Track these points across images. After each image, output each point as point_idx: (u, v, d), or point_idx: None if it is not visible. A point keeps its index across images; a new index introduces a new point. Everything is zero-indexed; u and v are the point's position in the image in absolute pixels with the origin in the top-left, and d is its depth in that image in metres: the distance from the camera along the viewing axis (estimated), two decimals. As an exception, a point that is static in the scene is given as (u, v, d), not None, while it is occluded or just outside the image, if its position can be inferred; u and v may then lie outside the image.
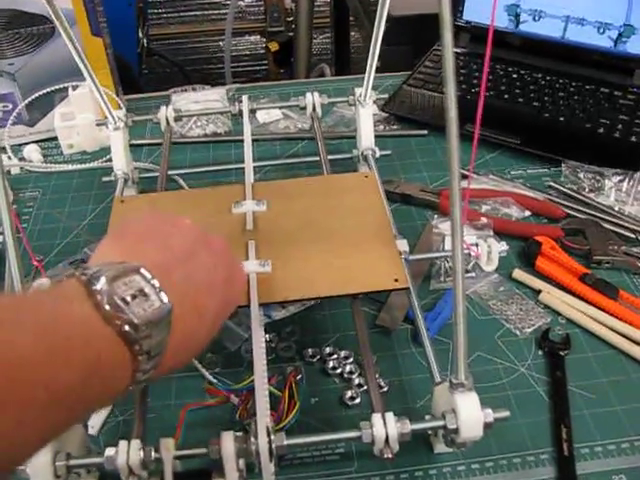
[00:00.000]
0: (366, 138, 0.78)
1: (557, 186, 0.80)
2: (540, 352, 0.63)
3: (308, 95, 0.80)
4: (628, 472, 0.53)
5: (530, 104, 0.91)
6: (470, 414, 0.46)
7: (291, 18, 1.93)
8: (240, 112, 0.78)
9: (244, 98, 0.79)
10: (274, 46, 1.84)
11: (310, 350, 0.63)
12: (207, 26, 2.12)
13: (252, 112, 0.80)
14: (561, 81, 0.94)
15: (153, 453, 0.45)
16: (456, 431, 0.46)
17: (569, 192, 0.79)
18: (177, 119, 0.80)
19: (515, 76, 0.96)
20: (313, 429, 0.56)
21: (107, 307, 0.33)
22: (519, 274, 0.69)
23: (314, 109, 0.80)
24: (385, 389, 0.59)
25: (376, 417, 0.46)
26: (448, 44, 0.41)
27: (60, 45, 0.85)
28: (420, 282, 0.69)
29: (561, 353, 0.62)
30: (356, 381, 0.60)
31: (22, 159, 0.89)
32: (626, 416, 0.57)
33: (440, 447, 0.54)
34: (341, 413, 0.58)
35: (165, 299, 0.36)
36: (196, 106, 0.93)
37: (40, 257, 0.74)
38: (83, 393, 0.32)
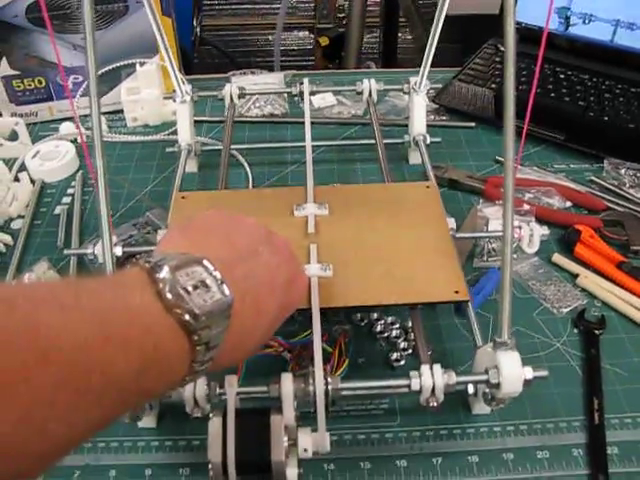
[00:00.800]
0: (418, 124, 0.82)
1: (599, 180, 0.83)
2: (576, 330, 0.66)
3: (365, 81, 0.84)
4: (657, 441, 0.56)
5: (576, 103, 0.94)
6: (512, 370, 0.49)
7: (342, 15, 1.98)
8: (301, 93, 0.83)
9: (305, 80, 0.84)
10: (324, 41, 1.90)
11: (359, 315, 0.67)
12: (258, 19, 2.18)
13: (311, 94, 0.84)
14: (607, 83, 0.98)
15: (218, 388, 0.50)
16: (498, 386, 0.50)
17: (610, 186, 0.82)
18: (240, 96, 0.85)
19: (562, 76, 1.00)
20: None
21: (169, 295, 0.33)
22: (558, 258, 0.73)
23: (370, 94, 0.84)
24: (429, 353, 0.64)
25: (425, 367, 0.50)
26: (510, 47, 0.44)
27: (130, 23, 0.91)
28: (464, 260, 0.73)
29: (596, 332, 0.65)
30: (401, 345, 0.64)
31: (89, 129, 0.95)
32: (657, 393, 0.60)
33: (478, 408, 0.58)
34: (386, 373, 0.62)
35: (226, 292, 0.36)
36: (255, 87, 0.98)
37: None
38: (139, 381, 0.32)
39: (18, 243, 0.78)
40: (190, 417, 0.51)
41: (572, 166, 0.87)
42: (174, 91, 0.82)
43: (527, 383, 0.50)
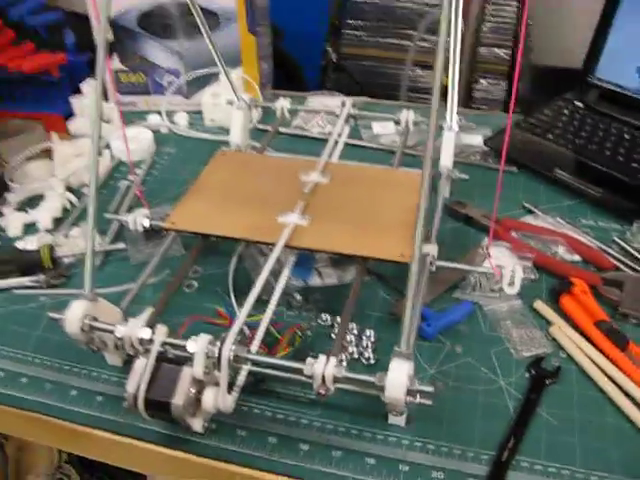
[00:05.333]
0: (445, 157, 0.86)
1: (620, 241, 0.81)
2: (527, 375, 0.66)
3: (404, 111, 0.89)
4: (554, 493, 0.56)
5: (628, 164, 0.92)
6: (397, 376, 0.53)
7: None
8: (352, 116, 0.91)
9: (347, 102, 0.91)
10: (444, 80, 1.93)
11: (326, 316, 0.72)
12: (394, 54, 2.26)
13: (352, 117, 0.91)
14: (673, 149, 0.94)
15: (149, 333, 0.58)
16: (382, 389, 0.53)
17: (628, 248, 0.79)
18: (291, 112, 0.93)
19: (627, 137, 0.97)
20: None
21: None
22: (540, 305, 0.73)
23: (407, 125, 0.89)
24: (372, 362, 0.67)
25: (322, 357, 0.55)
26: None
27: (220, 37, 1.04)
28: (445, 289, 0.75)
29: (546, 381, 0.65)
30: (350, 349, 0.68)
31: (172, 122, 1.09)
32: (582, 451, 0.59)
33: (393, 418, 0.61)
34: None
35: None
36: (324, 107, 1.06)
37: (142, 189, 0.92)
38: None
39: (80, 205, 0.92)
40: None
41: (600, 224, 0.85)
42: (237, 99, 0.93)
43: (411, 393, 0.53)
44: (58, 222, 0.90)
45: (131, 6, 1.05)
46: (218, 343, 0.56)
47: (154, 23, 1.06)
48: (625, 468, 0.57)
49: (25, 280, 0.80)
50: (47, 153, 1.02)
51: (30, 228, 0.89)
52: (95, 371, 0.68)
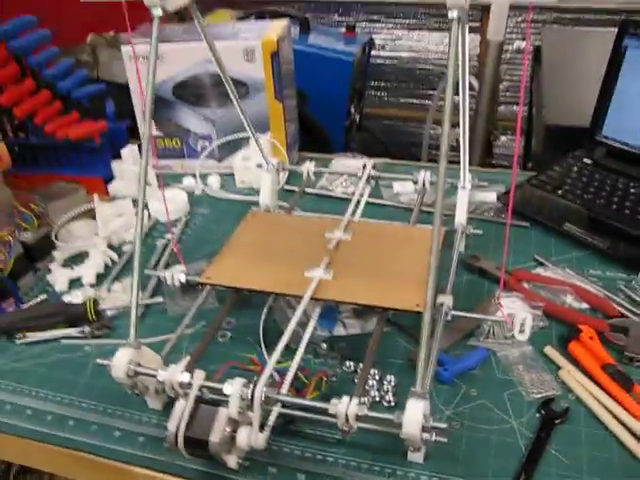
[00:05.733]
0: (460, 215, 0.92)
1: (625, 289, 0.86)
2: (537, 415, 0.70)
3: (422, 172, 0.97)
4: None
5: (634, 217, 0.97)
6: (413, 414, 0.58)
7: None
8: (373, 177, 0.98)
9: (368, 164, 0.98)
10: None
11: (350, 363, 0.78)
12: (417, 113, 2.37)
13: (373, 178, 0.98)
14: (675, 203, 0.99)
15: (189, 377, 0.64)
16: (400, 425, 0.58)
17: (634, 295, 0.84)
18: (316, 174, 1.01)
19: (633, 191, 1.03)
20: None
21: None
22: (550, 351, 0.78)
23: (424, 184, 0.96)
24: (393, 404, 0.72)
25: (345, 398, 0.61)
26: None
27: (250, 104, 1.13)
28: (460, 337, 0.81)
29: (555, 421, 0.69)
30: (372, 393, 0.74)
31: (205, 184, 1.17)
32: (590, 486, 0.63)
33: (411, 456, 0.66)
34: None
35: None
36: (346, 169, 1.14)
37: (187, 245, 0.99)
38: None
39: (121, 261, 1.00)
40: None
41: (607, 273, 0.90)
42: (267, 162, 1.01)
43: (426, 430, 0.58)
44: (100, 277, 0.97)
45: (167, 77, 1.15)
46: (251, 386, 0.62)
47: (188, 92, 1.16)
48: (630, 501, 0.61)
49: (71, 331, 0.87)
50: (89, 213, 1.10)
51: (75, 283, 0.97)
52: (137, 414, 0.74)
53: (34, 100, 1.15)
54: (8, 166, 1.12)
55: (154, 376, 0.66)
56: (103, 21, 1.84)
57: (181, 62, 1.13)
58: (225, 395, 0.62)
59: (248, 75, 1.12)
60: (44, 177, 1.20)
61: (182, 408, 0.63)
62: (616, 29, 1.10)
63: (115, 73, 1.68)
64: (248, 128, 0.96)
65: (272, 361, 0.66)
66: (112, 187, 1.19)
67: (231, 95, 0.92)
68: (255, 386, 0.62)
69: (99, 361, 0.69)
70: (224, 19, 2.04)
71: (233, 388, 0.62)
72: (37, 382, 0.80)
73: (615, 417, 0.69)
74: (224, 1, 2.21)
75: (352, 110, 2.07)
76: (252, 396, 0.61)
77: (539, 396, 0.73)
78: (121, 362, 0.66)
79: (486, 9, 1.86)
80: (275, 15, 1.86)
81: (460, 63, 0.78)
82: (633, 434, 0.67)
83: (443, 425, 0.58)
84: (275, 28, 1.14)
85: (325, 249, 0.83)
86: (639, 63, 1.08)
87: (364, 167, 0.99)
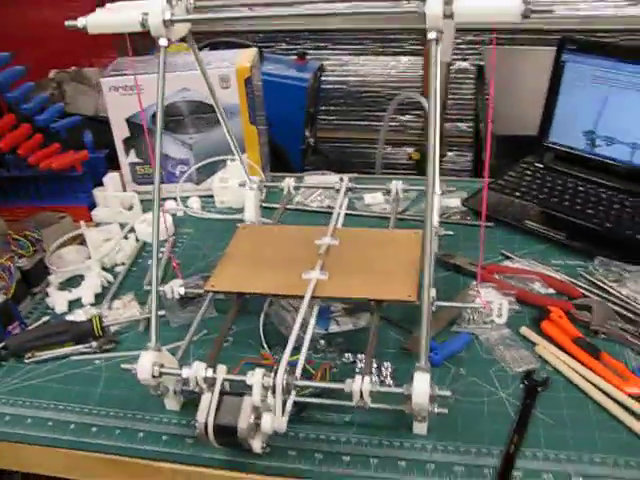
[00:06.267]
0: (433, 218, 1.01)
1: (585, 274, 0.96)
2: (521, 386, 0.79)
3: (394, 182, 1.06)
4: (555, 473, 0.68)
5: (584, 211, 1.08)
6: (420, 385, 0.66)
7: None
8: (350, 189, 1.06)
9: (345, 178, 1.07)
10: (416, 155, 2.14)
11: (348, 355, 0.85)
12: (368, 134, 2.49)
13: (350, 190, 1.07)
14: (620, 196, 1.11)
15: (211, 372, 0.70)
16: (410, 397, 0.66)
17: (592, 279, 0.95)
18: (296, 188, 1.09)
19: (581, 189, 1.15)
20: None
21: None
22: (525, 330, 0.87)
23: (397, 193, 1.05)
24: (392, 386, 0.80)
25: (358, 377, 0.68)
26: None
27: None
28: (445, 325, 0.89)
29: (538, 389, 0.78)
30: (373, 378, 0.81)
31: (186, 206, 1.24)
32: (572, 439, 0.72)
33: (416, 428, 0.73)
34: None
35: None
36: (322, 184, 1.22)
37: (178, 261, 1.04)
38: None
39: (116, 281, 1.05)
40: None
41: (567, 262, 1.01)
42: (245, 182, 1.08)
43: (432, 399, 0.66)
44: (98, 297, 1.02)
45: (146, 106, 1.21)
46: (272, 374, 0.68)
47: (166, 120, 1.22)
48: (606, 447, 0.71)
49: (80, 347, 0.91)
50: (77, 239, 1.15)
51: (74, 304, 1.01)
52: (157, 416, 0.79)
53: (16, 134, 1.19)
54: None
55: (179, 375, 0.72)
56: (61, 56, 1.88)
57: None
58: (247, 386, 0.69)
59: (224, 100, 1.19)
60: (26, 209, 1.24)
61: (209, 400, 0.69)
62: (551, 47, 1.23)
63: (81, 107, 1.73)
64: (234, 148, 1.03)
65: (287, 352, 0.72)
66: (95, 214, 1.24)
67: (219, 117, 0.99)
68: (276, 374, 0.68)
69: (124, 366, 0.74)
70: (180, 51, 2.11)
71: (255, 378, 0.68)
72: (53, 396, 0.84)
73: (588, 381, 0.78)
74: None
75: (307, 134, 2.17)
76: (273, 384, 0.68)
77: (521, 369, 0.81)
78: (146, 364, 0.72)
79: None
80: (229, 46, 1.94)
81: (432, 81, 0.88)
82: (605, 393, 0.77)
83: (447, 392, 0.66)
84: (246, 56, 1.22)
85: (317, 254, 0.90)
86: (577, 75, 1.20)
87: (342, 180, 1.07)
